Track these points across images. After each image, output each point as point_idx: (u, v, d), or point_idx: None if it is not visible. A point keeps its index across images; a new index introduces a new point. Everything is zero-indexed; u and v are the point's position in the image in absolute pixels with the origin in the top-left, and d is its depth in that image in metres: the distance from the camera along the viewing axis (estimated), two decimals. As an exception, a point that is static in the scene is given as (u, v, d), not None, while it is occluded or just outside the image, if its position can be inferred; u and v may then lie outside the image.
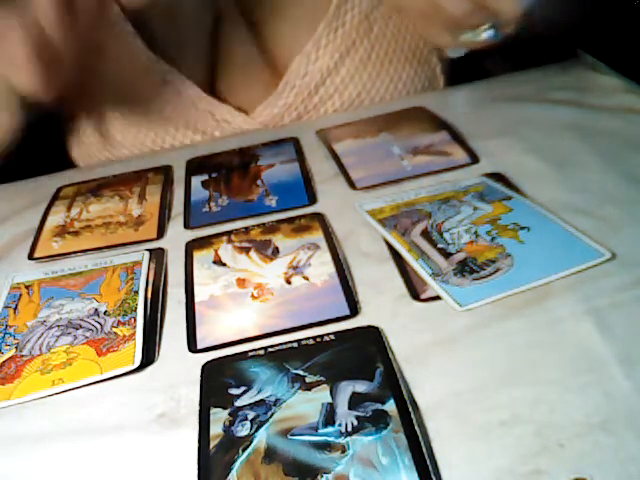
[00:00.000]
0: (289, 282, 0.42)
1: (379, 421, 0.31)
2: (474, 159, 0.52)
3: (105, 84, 0.61)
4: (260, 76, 0.64)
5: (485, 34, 0.51)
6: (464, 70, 0.67)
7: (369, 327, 0.37)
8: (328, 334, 0.37)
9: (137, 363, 0.37)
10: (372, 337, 0.36)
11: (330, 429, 0.31)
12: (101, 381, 0.37)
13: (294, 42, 0.62)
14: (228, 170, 0.57)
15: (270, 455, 0.30)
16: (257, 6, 0.61)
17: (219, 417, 0.33)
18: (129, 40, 0.59)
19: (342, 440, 0.30)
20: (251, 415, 0.33)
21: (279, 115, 0.64)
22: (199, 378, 0.36)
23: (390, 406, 0.32)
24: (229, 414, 0.33)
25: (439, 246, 0.42)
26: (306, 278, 0.42)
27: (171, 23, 0.60)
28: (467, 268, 0.40)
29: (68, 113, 0.65)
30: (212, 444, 0.32)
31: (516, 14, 0.49)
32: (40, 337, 0.40)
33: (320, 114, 0.65)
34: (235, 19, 0.62)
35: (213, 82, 0.64)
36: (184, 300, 0.42)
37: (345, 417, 0.32)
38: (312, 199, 0.51)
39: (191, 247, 0.47)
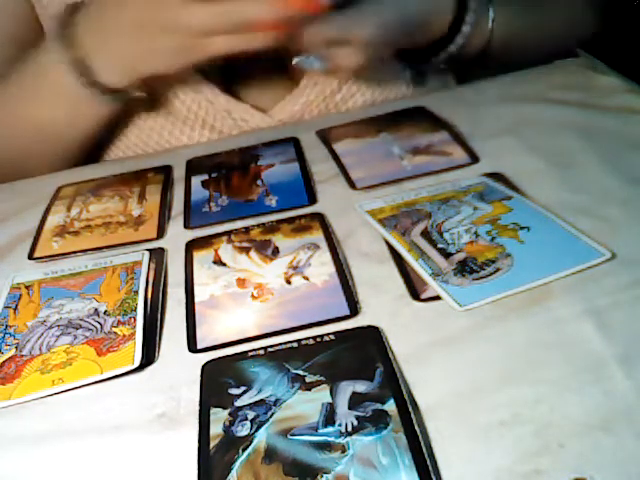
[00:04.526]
0: (289, 282, 0.42)
1: (379, 421, 0.31)
2: (474, 159, 0.52)
3: None
4: (277, 75, 0.63)
5: (307, 62, 0.53)
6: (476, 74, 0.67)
7: (369, 327, 0.37)
8: (328, 334, 0.37)
9: (137, 363, 0.37)
10: (372, 337, 0.36)
11: (330, 429, 0.31)
12: (101, 381, 0.37)
13: None
14: (228, 170, 0.57)
15: (270, 455, 0.30)
16: None
17: (219, 417, 0.33)
18: None
19: (342, 440, 0.30)
20: (251, 415, 0.33)
21: (299, 112, 0.63)
22: (199, 378, 0.36)
23: (390, 406, 0.32)
24: (229, 414, 0.33)
25: (439, 246, 0.42)
26: (306, 278, 0.42)
27: None
28: (467, 268, 0.40)
29: None
30: (212, 444, 0.32)
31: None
32: (40, 337, 0.40)
33: (341, 113, 0.64)
34: None
35: (229, 82, 0.63)
36: (184, 300, 0.42)
37: (345, 417, 0.32)
38: (312, 199, 0.51)
39: (191, 247, 0.47)
